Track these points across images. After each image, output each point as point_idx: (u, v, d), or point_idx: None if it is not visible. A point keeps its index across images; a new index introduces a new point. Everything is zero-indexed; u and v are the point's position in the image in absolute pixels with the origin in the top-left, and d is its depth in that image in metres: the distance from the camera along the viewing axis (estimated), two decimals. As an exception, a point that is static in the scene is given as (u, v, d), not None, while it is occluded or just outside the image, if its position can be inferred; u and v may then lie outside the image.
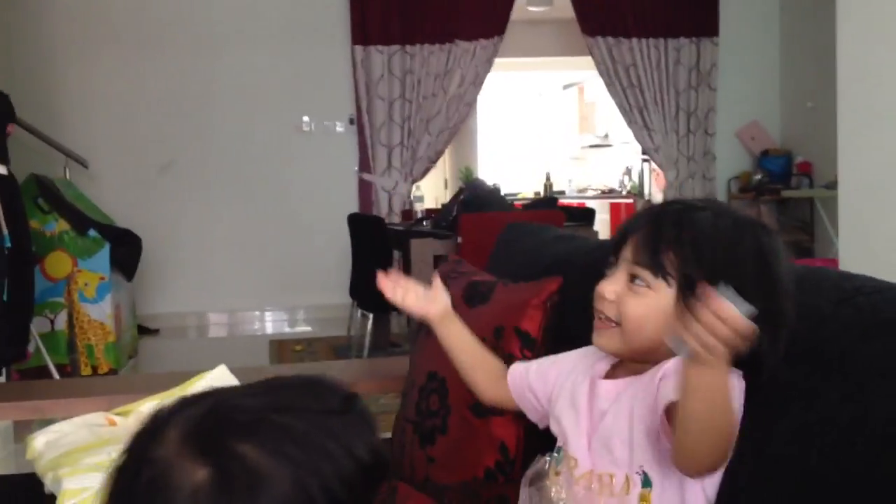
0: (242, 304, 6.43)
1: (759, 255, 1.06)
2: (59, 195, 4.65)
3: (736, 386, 1.05)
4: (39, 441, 1.71)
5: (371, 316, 4.97)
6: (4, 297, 3.18)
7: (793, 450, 0.95)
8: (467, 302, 1.55)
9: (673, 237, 1.07)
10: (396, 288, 1.36)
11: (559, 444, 1.18)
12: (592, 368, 1.19)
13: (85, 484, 1.40)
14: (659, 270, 1.07)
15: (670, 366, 1.07)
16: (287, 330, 6.32)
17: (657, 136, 6.66)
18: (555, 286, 1.41)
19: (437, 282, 1.39)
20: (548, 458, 1.13)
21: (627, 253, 1.10)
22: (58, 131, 5.48)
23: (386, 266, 5.38)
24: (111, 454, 1.50)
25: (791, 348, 1.02)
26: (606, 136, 9.51)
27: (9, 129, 3.46)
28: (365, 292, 5.03)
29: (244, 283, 6.38)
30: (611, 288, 1.10)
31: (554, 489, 1.11)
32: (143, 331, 5.80)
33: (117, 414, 1.77)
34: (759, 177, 6.59)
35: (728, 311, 0.86)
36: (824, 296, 1.06)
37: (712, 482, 1.05)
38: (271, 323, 6.52)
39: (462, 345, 1.37)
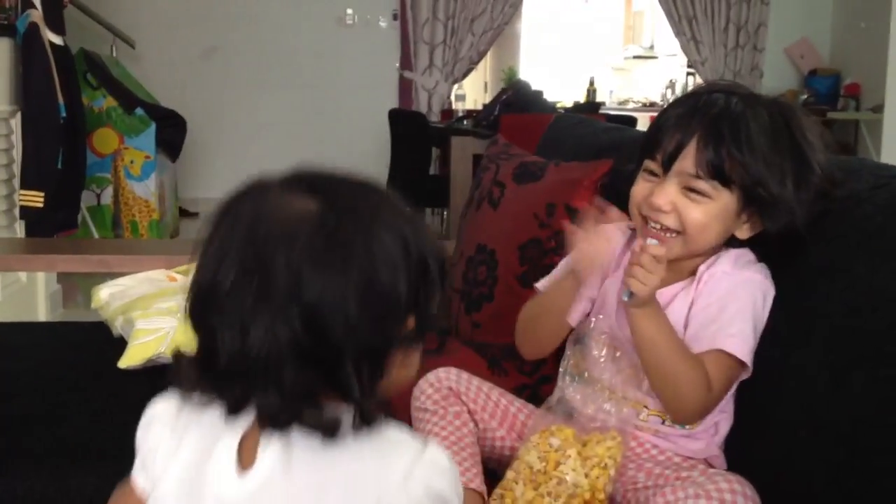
0: (278, 194, 6.52)
1: (794, 143, 1.13)
2: (108, 72, 4.71)
3: (761, 283, 1.14)
4: (104, 292, 1.82)
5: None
6: (59, 166, 3.27)
7: (826, 310, 1.03)
8: (516, 180, 1.62)
9: (732, 146, 1.09)
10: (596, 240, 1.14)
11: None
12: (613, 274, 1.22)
13: (157, 325, 1.51)
14: (723, 181, 1.10)
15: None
16: (320, 223, 6.41)
17: (705, 48, 6.57)
18: (606, 168, 1.47)
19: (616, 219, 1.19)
20: (593, 319, 1.21)
21: (685, 166, 1.11)
22: (105, 9, 5.50)
23: (425, 163, 5.37)
24: (180, 301, 1.61)
25: (828, 227, 1.08)
26: (652, 47, 9.35)
27: (65, -2, 3.51)
28: (403, 188, 5.08)
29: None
30: (665, 199, 1.12)
31: (595, 349, 1.19)
32: (183, 213, 5.92)
33: (178, 272, 1.88)
34: (805, 96, 6.49)
35: (657, 250, 1.06)
36: (862, 182, 1.12)
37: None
38: (305, 215, 6.62)
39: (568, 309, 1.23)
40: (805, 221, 1.10)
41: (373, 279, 0.69)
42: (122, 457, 1.28)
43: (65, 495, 1.24)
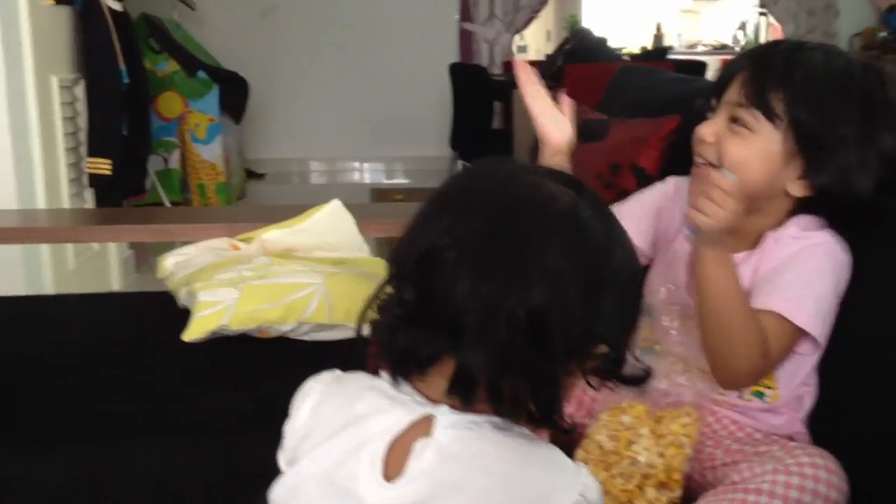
0: (342, 152, 6.53)
1: (868, 101, 1.04)
2: (169, 35, 4.72)
3: (833, 250, 1.07)
4: (169, 262, 1.82)
5: (471, 166, 4.99)
6: (124, 132, 3.30)
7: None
8: (579, 138, 1.55)
9: (782, 76, 1.04)
10: (531, 79, 1.20)
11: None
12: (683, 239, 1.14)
13: (218, 297, 1.50)
14: (766, 111, 1.04)
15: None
16: (384, 181, 6.40)
17: (776, -13, 6.30)
18: (673, 124, 1.40)
19: (567, 104, 1.22)
20: (662, 290, 1.15)
21: (732, 94, 1.07)
22: (165, -28, 5.51)
23: (487, 117, 5.29)
24: (242, 272, 1.60)
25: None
26: (720, -13, 9.04)
27: (123, -36, 3.50)
28: (466, 143, 5.03)
29: (344, 132, 6.45)
30: (710, 129, 1.08)
31: (665, 318, 1.14)
32: (250, 174, 5.97)
33: (241, 240, 1.87)
34: (883, 34, 6.19)
35: (727, 183, 0.98)
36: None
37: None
38: (369, 173, 6.62)
39: None
40: (868, 187, 1.03)
41: (602, 276, 0.70)
42: (186, 429, 1.29)
43: (128, 467, 1.24)
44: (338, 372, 0.80)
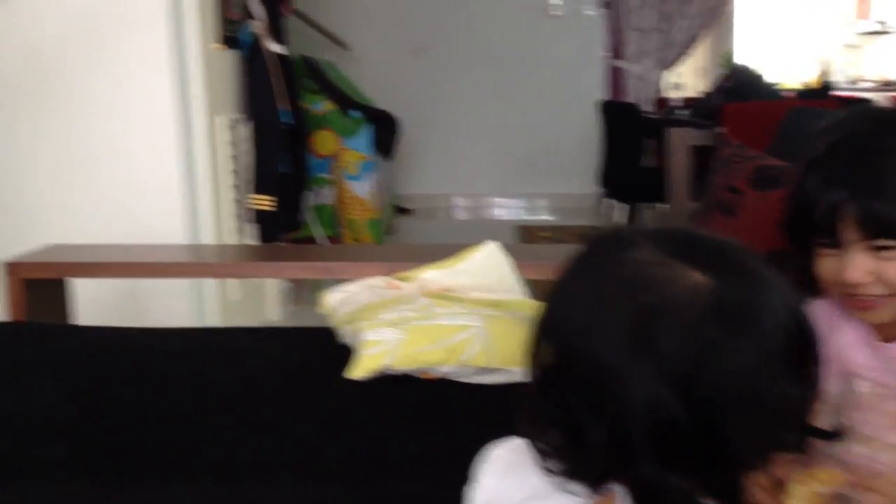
0: (486, 188, 6.57)
1: None
2: (325, 76, 4.89)
3: None
4: (333, 298, 1.86)
5: (624, 206, 4.91)
6: (283, 170, 3.42)
7: None
8: (755, 186, 1.49)
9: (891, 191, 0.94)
10: None
11: None
12: (850, 332, 1.07)
13: (382, 336, 1.52)
14: None
15: None
16: (526, 217, 6.40)
17: (948, 20, 5.96)
18: (862, 170, 1.32)
19: None
20: (865, 384, 1.07)
21: (852, 235, 0.96)
22: (320, 14, 5.72)
23: (636, 155, 5.20)
24: (404, 313, 1.61)
25: None
26: (885, 22, 8.63)
27: (284, 9, 3.66)
28: (616, 181, 4.96)
29: (489, 168, 6.50)
30: (859, 272, 0.98)
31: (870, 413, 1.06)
32: (399, 210, 6.08)
33: (399, 279, 1.89)
34: None
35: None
36: None
37: None
38: (513, 210, 6.63)
39: None
40: None
41: (769, 361, 0.64)
42: (354, 468, 1.30)
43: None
44: (518, 441, 0.77)
